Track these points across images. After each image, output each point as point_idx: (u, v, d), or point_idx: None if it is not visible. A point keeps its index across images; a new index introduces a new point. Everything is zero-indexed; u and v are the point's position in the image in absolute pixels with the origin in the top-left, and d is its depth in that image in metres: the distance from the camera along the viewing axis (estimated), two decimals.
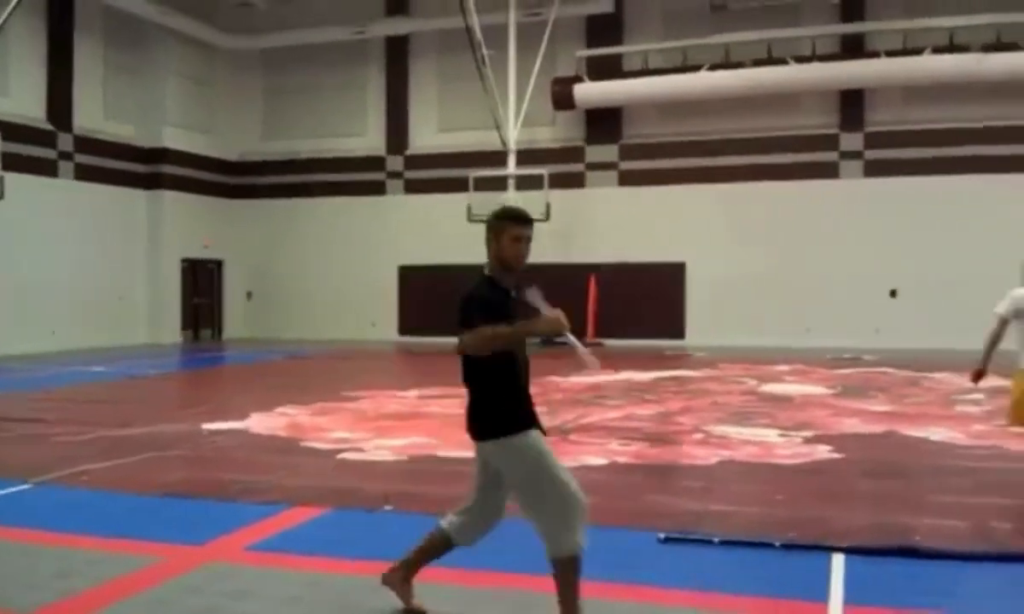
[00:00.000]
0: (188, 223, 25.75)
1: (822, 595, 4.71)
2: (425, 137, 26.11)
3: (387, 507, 6.66)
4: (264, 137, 27.50)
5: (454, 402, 12.52)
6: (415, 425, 10.55)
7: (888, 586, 4.87)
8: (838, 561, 5.25)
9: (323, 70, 26.52)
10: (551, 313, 4.06)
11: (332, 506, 6.68)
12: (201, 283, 26.62)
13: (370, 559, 5.39)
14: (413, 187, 25.98)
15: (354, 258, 26.09)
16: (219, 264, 27.23)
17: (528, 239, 4.24)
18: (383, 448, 9.11)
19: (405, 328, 25.72)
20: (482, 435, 4.20)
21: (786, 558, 5.38)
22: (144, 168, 24.90)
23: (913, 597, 4.68)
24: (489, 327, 3.98)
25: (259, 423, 10.78)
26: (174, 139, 25.38)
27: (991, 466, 8.21)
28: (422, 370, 18.45)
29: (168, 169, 25.18)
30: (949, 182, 21.57)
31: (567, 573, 4.06)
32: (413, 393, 13.51)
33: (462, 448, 9.04)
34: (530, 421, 4.11)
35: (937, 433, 9.89)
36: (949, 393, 13.37)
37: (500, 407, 4.13)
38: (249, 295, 27.44)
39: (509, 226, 4.22)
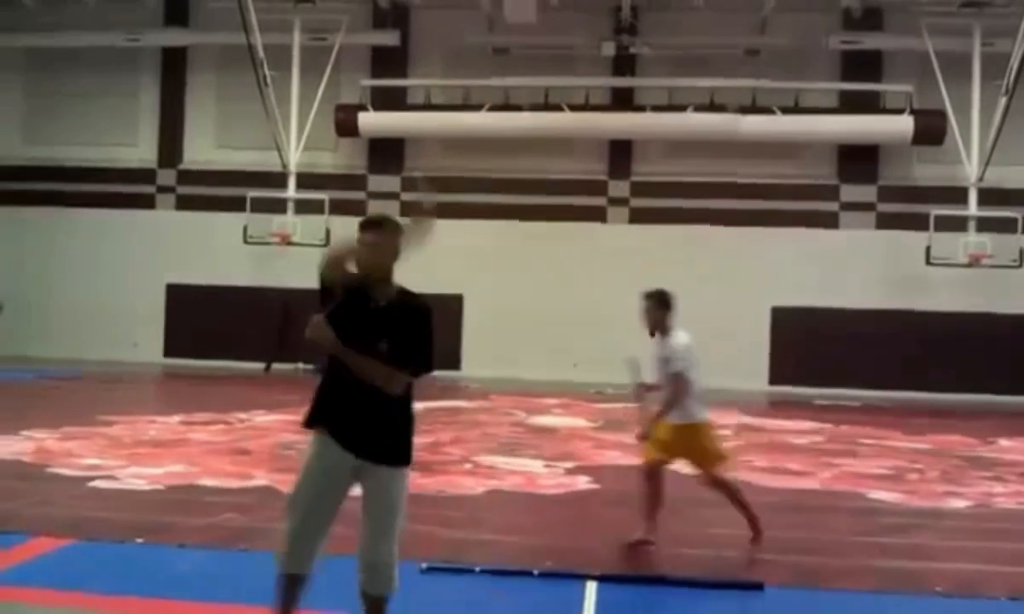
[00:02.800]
0: None
1: None
2: (201, 152, 25.20)
3: (138, 540, 6.36)
4: (25, 141, 25.65)
5: (219, 429, 12.14)
6: (175, 452, 10.12)
7: (636, 610, 5.14)
8: (591, 588, 5.48)
9: (93, 76, 25.08)
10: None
11: (79, 537, 6.31)
12: None
13: (117, 594, 5.16)
14: (186, 203, 24.99)
15: (118, 274, 24.71)
16: None
17: (372, 244, 3.93)
18: (139, 476, 8.68)
19: (172, 350, 24.59)
20: (408, 459, 4.05)
21: (543, 586, 5.56)
22: None
23: None
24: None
25: (1, 447, 10.01)
26: None
27: None
28: (187, 394, 17.71)
29: None
30: (706, 232, 23.06)
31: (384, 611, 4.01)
32: (175, 418, 12.95)
33: (224, 477, 8.80)
34: None
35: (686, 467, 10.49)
36: None
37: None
38: None
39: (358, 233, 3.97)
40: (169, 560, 5.92)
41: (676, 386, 6.51)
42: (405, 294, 4.03)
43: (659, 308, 6.65)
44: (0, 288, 25.24)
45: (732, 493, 6.86)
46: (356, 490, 4.04)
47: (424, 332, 3.97)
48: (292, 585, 3.97)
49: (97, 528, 6.61)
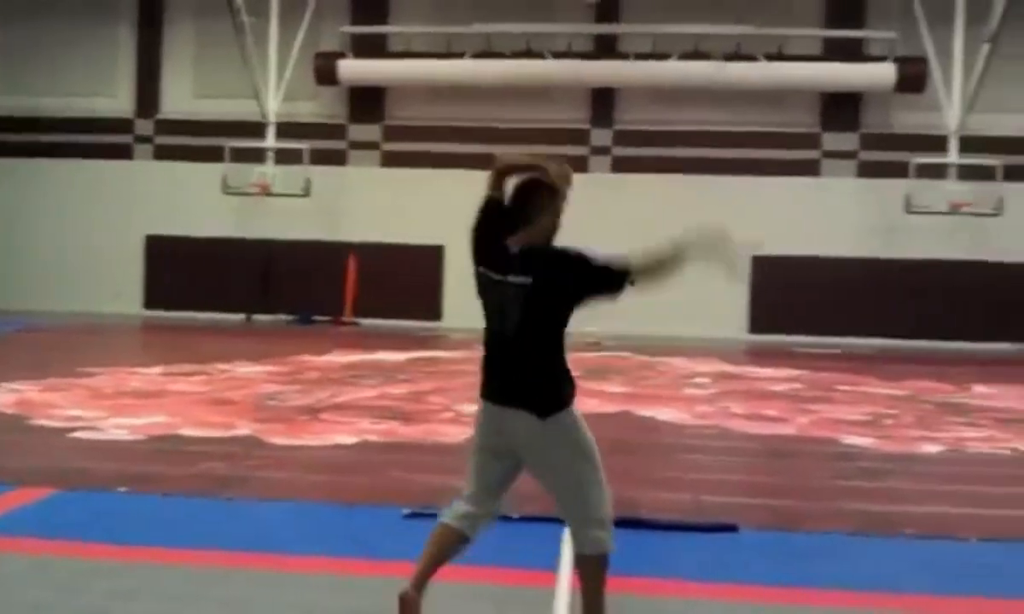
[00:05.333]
0: None
1: (553, 563, 5.00)
2: (178, 102, 24.93)
3: (121, 489, 6.40)
4: (2, 92, 25.28)
5: (201, 379, 12.16)
6: (157, 403, 10.15)
7: (614, 555, 5.22)
8: (569, 532, 5.56)
9: (70, 25, 24.70)
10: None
11: (61, 487, 6.34)
12: None
13: (99, 542, 5.21)
14: (164, 153, 24.76)
15: (96, 226, 24.53)
16: None
17: None
18: (121, 427, 8.71)
19: (151, 301, 24.51)
20: (549, 410, 3.75)
21: (523, 529, 5.65)
22: None
23: (635, 565, 5.05)
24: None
25: None
26: None
27: (711, 444, 8.95)
28: (168, 345, 17.71)
29: None
30: (689, 181, 23.03)
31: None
32: (157, 370, 12.96)
33: (207, 427, 8.84)
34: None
35: (666, 413, 10.64)
36: (679, 376, 14.37)
37: (565, 373, 3.84)
38: None
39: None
40: (153, 509, 5.98)
41: None
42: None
43: None
44: None
45: None
46: None
47: None
48: None
49: (80, 478, 6.65)
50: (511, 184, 3.94)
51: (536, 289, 3.70)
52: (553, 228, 3.94)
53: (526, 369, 3.76)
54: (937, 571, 5.23)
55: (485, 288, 3.83)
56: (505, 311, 3.75)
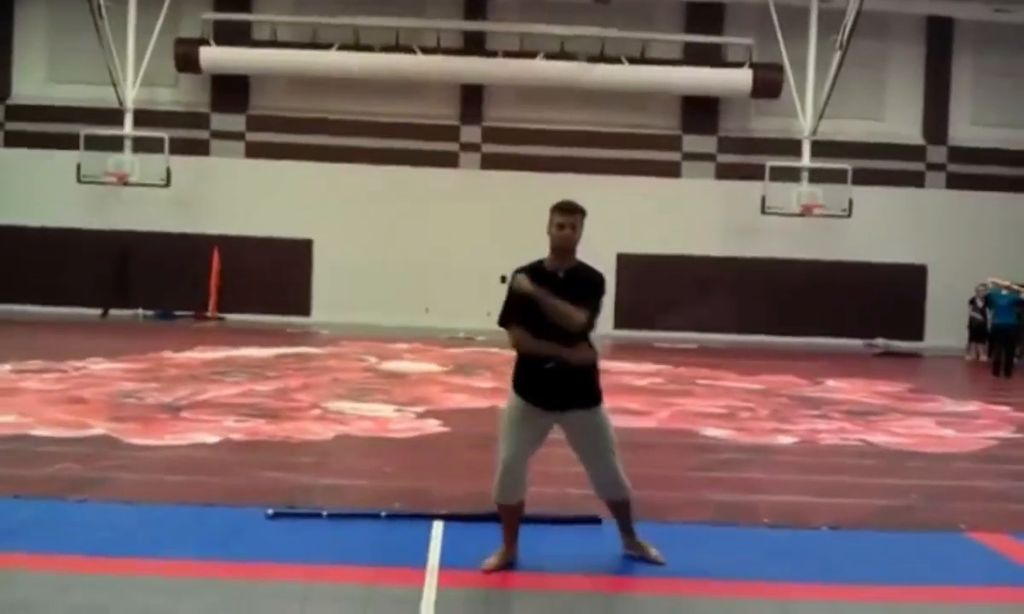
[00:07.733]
0: None
1: (421, 560, 5.02)
2: (31, 87, 23.76)
3: None
4: None
5: (54, 377, 11.66)
6: (6, 402, 9.67)
7: (481, 549, 5.28)
8: (438, 528, 5.59)
9: None
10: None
11: None
12: None
13: None
14: (15, 140, 23.56)
15: None
16: None
17: (571, 225, 5.12)
18: None
19: (1, 295, 23.28)
20: (597, 401, 5.12)
21: (390, 528, 5.65)
22: None
23: None
24: (519, 335, 5.15)
25: None
26: None
27: None
28: (19, 342, 16.85)
29: None
30: (556, 179, 23.31)
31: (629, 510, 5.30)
32: (6, 367, 12.33)
33: (60, 427, 8.49)
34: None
35: None
36: None
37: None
38: None
39: (553, 214, 5.14)
40: (3, 511, 5.71)
41: None
42: (581, 266, 5.20)
43: None
44: None
45: None
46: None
47: (594, 296, 5.12)
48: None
49: None
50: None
51: None
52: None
53: None
54: (792, 558, 5.47)
55: None
56: None
